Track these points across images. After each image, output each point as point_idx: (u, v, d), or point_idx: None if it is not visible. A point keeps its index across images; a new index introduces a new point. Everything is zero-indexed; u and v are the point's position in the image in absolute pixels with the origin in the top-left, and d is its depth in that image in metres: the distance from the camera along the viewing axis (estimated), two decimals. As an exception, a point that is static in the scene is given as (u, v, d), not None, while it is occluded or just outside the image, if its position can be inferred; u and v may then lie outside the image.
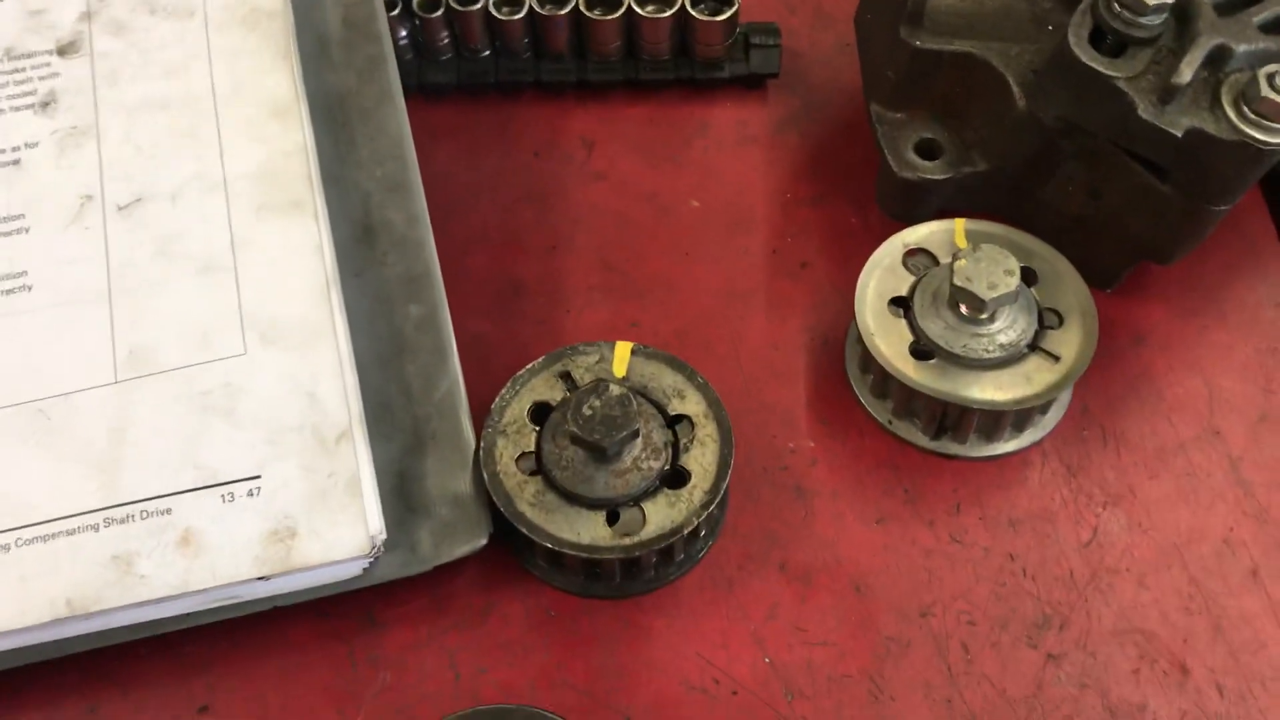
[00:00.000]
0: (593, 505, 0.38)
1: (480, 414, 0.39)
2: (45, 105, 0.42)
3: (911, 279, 0.42)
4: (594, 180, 0.48)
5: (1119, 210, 0.41)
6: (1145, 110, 0.38)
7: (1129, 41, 0.38)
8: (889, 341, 0.41)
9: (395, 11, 0.47)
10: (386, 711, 0.37)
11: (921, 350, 0.40)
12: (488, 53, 0.49)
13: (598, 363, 0.40)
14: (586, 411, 0.37)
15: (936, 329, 0.40)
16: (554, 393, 0.40)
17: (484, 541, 0.38)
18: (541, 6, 0.48)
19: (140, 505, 0.36)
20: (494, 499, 0.38)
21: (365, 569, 0.37)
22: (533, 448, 0.39)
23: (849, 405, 0.42)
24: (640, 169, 0.48)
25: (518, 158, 0.48)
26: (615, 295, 0.45)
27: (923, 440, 0.41)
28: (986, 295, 0.39)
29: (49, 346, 0.39)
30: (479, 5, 0.47)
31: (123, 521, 0.36)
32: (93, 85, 0.42)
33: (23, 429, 0.37)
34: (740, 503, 0.40)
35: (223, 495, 0.36)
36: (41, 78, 0.42)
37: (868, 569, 0.39)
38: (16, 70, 0.43)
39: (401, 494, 0.38)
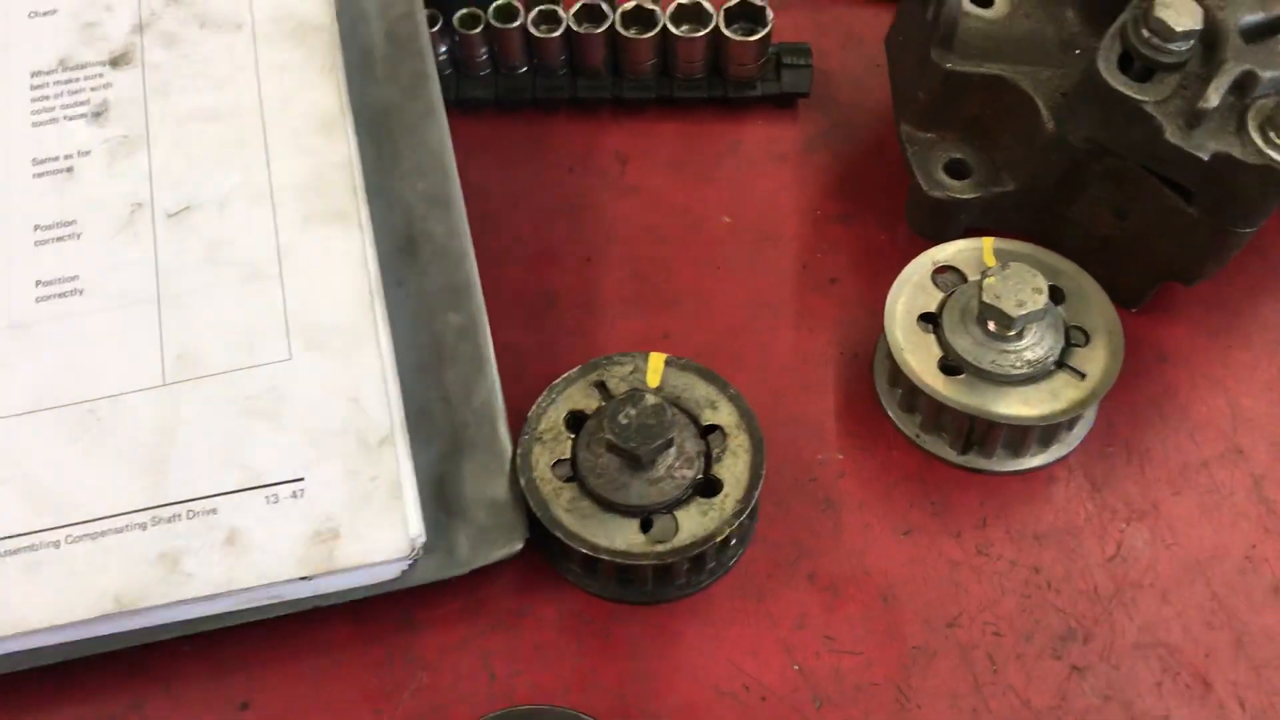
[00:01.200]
0: (627, 512, 0.38)
1: (516, 421, 0.40)
2: (97, 115, 0.43)
3: (940, 295, 0.43)
4: (627, 194, 0.49)
5: (1145, 231, 0.42)
6: (1172, 134, 0.39)
7: (1157, 67, 0.39)
8: (918, 356, 0.41)
9: (436, 28, 0.48)
10: (423, 710, 0.38)
11: (950, 365, 0.41)
12: (525, 69, 0.50)
13: (632, 373, 0.41)
14: (623, 420, 0.38)
15: (965, 345, 0.41)
16: (589, 401, 0.41)
17: (520, 546, 0.39)
18: (579, 25, 0.49)
19: (187, 505, 0.37)
20: (530, 504, 0.39)
21: (404, 571, 0.38)
22: (568, 455, 0.40)
23: (877, 419, 0.43)
24: (673, 184, 0.49)
25: (553, 172, 0.49)
26: (647, 307, 0.46)
27: (950, 454, 0.42)
28: (1015, 312, 0.40)
29: (99, 349, 0.40)
30: (518, 23, 0.48)
31: (170, 520, 0.37)
32: (144, 96, 0.43)
33: (73, 429, 0.38)
34: (770, 513, 0.41)
35: (267, 496, 0.37)
36: (94, 88, 0.44)
37: (895, 579, 0.40)
38: (70, 80, 0.44)
39: (440, 498, 0.39)
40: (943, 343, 0.41)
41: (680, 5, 0.49)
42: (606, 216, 0.48)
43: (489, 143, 0.49)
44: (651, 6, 0.49)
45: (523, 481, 0.39)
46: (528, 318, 0.45)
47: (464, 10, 0.49)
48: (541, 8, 0.49)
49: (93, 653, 0.37)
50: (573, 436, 0.40)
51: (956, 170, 0.45)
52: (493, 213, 0.47)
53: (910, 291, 0.43)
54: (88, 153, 0.43)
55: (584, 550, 0.38)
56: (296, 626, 0.38)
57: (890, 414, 0.43)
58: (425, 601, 0.39)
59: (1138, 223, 0.42)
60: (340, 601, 0.38)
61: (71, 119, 0.43)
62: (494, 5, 0.49)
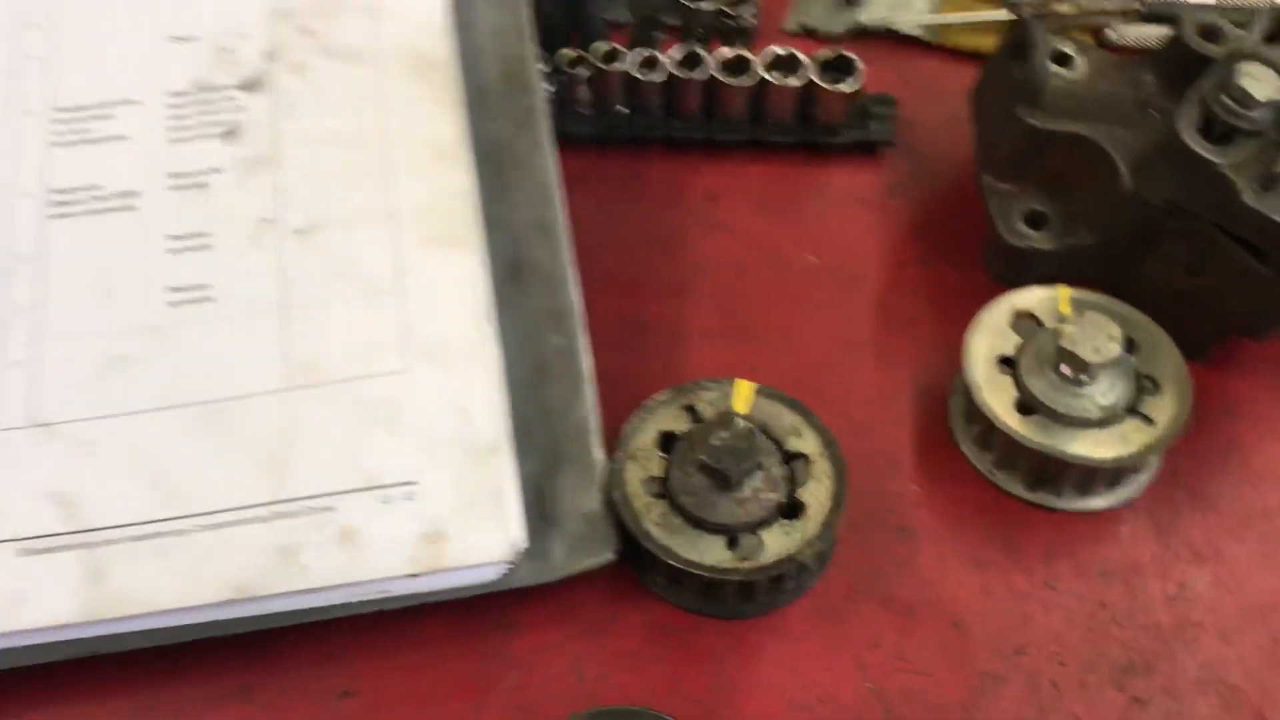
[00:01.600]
0: (714, 530, 0.41)
1: (609, 439, 0.43)
2: (230, 135, 0.46)
3: (1016, 339, 0.45)
4: (716, 231, 0.51)
5: (1217, 287, 0.44)
6: (1248, 196, 0.41)
7: (1235, 131, 0.41)
8: (995, 396, 0.43)
9: (544, 67, 0.51)
10: (515, 706, 0.40)
11: (1026, 406, 0.43)
12: (624, 109, 0.53)
13: (721, 398, 0.43)
14: (715, 442, 0.40)
15: (1040, 387, 0.43)
16: (679, 423, 0.43)
17: (611, 557, 0.41)
18: (679, 70, 0.51)
19: (306, 502, 0.40)
20: (622, 518, 0.41)
21: (504, 574, 0.40)
22: (659, 472, 0.42)
23: (952, 454, 0.45)
24: (760, 223, 0.51)
25: (646, 207, 0.52)
26: (732, 339, 0.48)
27: (1022, 491, 0.44)
28: (1091, 359, 0.42)
29: (226, 352, 0.42)
30: (621, 66, 0.51)
31: (289, 516, 0.40)
32: (273, 119, 0.46)
33: (203, 426, 0.41)
34: (847, 538, 0.43)
35: (381, 497, 0.40)
36: (227, 110, 0.47)
37: (966, 607, 0.42)
38: (206, 102, 0.47)
39: (538, 508, 0.41)
40: (1020, 384, 0.43)
41: (777, 56, 0.51)
42: (696, 251, 0.51)
43: (588, 176, 0.52)
44: (748, 55, 0.51)
45: (615, 496, 0.41)
46: (618, 343, 0.48)
47: (571, 52, 0.51)
48: (644, 52, 0.52)
49: (208, 636, 0.39)
50: (663, 455, 0.42)
51: (1035, 221, 0.47)
52: (589, 243, 0.50)
53: (988, 334, 0.45)
54: (220, 170, 0.46)
55: (673, 563, 0.40)
56: (399, 621, 0.41)
57: (964, 450, 0.45)
58: (520, 604, 0.41)
59: (1210, 279, 0.44)
60: (441, 599, 0.40)
61: (206, 138, 0.46)
62: (599, 48, 0.52)
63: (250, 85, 0.47)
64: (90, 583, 0.39)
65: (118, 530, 0.39)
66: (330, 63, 0.48)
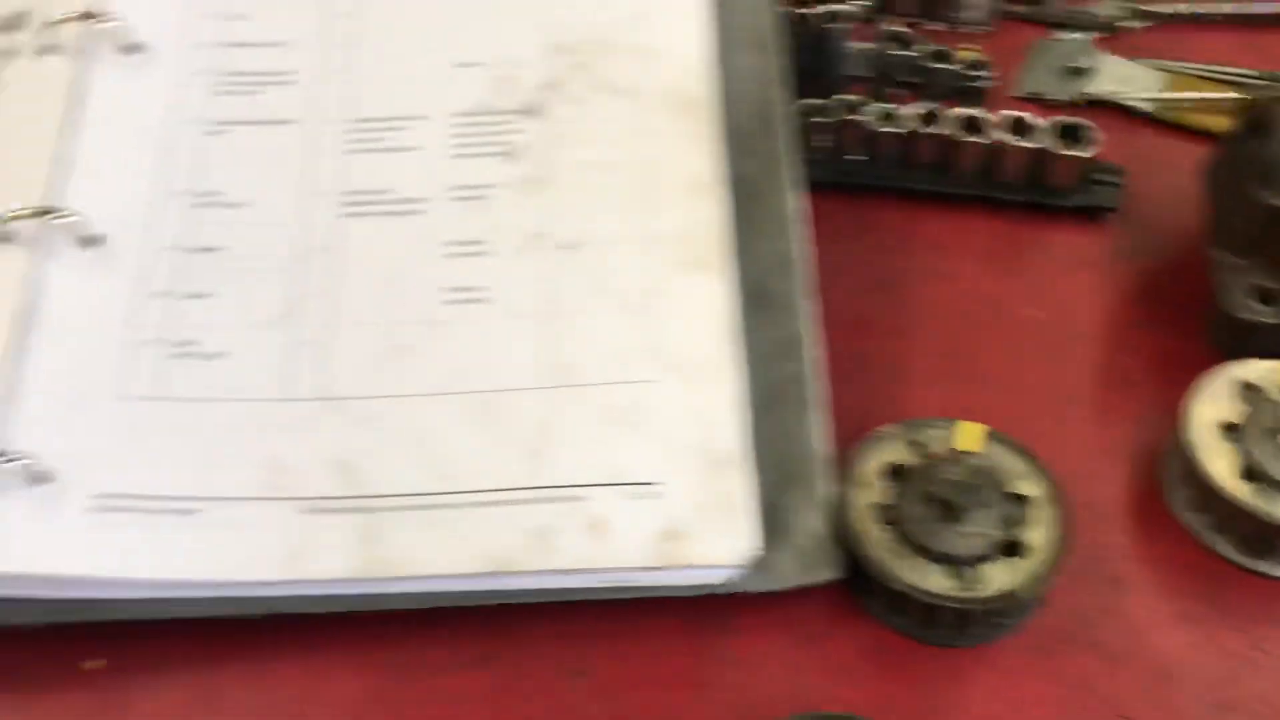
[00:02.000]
0: (937, 558, 0.43)
1: (835, 465, 0.45)
2: (507, 155, 0.51)
3: (1239, 407, 0.46)
4: (941, 279, 0.54)
5: None
6: None
7: None
8: (1214, 461, 0.45)
9: (793, 113, 0.54)
10: (733, 703, 0.42)
11: (1247, 472, 0.44)
12: (861, 157, 0.56)
13: (947, 436, 0.45)
14: (945, 475, 0.43)
15: (1262, 455, 0.44)
16: (905, 456, 0.45)
17: (834, 575, 0.44)
18: (918, 125, 0.54)
19: (560, 490, 0.43)
20: (847, 539, 0.43)
21: (734, 578, 0.43)
22: (884, 500, 0.44)
23: (1164, 513, 0.46)
24: (984, 275, 0.54)
25: (874, 251, 0.55)
26: (952, 382, 0.50)
27: (1237, 555, 0.45)
28: (1320, 432, 0.43)
29: (494, 349, 0.46)
30: (862, 118, 0.54)
31: (544, 501, 0.43)
32: (547, 143, 0.51)
33: (472, 413, 0.45)
34: (1061, 581, 0.45)
35: (627, 493, 0.43)
36: (505, 132, 0.51)
37: (1173, 659, 0.43)
38: (487, 124, 0.51)
39: (768, 521, 0.44)
40: (1242, 451, 0.45)
41: (1013, 118, 0.54)
42: (921, 296, 0.53)
43: (820, 217, 0.55)
44: (984, 115, 0.54)
45: (841, 518, 0.44)
46: (842, 375, 0.50)
47: (815, 101, 0.55)
48: (885, 106, 0.55)
49: (459, 605, 0.43)
50: (889, 484, 0.45)
51: (1265, 297, 0.48)
52: (819, 279, 0.53)
53: (1209, 400, 0.46)
54: (497, 185, 0.50)
55: (898, 587, 0.42)
56: (630, 611, 0.44)
57: (1178, 511, 0.46)
58: (744, 609, 0.44)
59: None
60: (672, 595, 0.43)
61: (486, 155, 0.51)
62: (842, 99, 0.55)
63: (528, 111, 0.52)
64: (364, 544, 0.43)
65: (392, 499, 0.44)
66: (602, 96, 0.52)
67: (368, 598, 0.43)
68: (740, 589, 0.43)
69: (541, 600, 0.43)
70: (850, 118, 0.55)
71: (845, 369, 0.51)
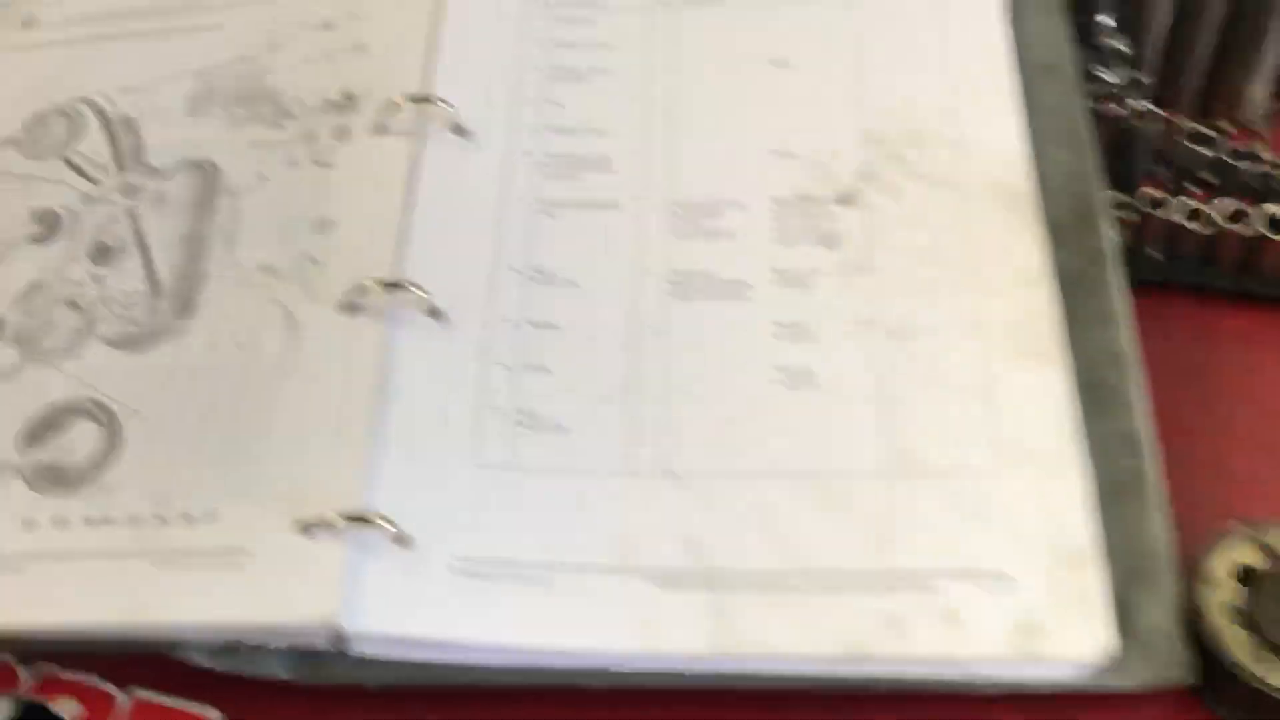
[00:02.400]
0: (1302, 664, 0.42)
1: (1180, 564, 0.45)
2: (828, 241, 0.52)
3: None
4: (1247, 374, 0.53)
5: None
6: None
7: None
8: None
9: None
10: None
11: None
12: (1157, 254, 0.56)
13: (1294, 540, 0.45)
14: (1310, 580, 0.42)
15: None
16: (1255, 557, 0.45)
17: (1185, 677, 0.43)
18: (1226, 223, 0.54)
19: (909, 577, 0.44)
20: (1201, 639, 0.43)
21: (1087, 675, 0.42)
22: (1236, 601, 0.44)
23: None
24: (1296, 374, 0.53)
25: (1178, 348, 0.54)
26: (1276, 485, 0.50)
27: None
28: None
29: (830, 431, 0.47)
30: (1166, 214, 0.55)
31: (894, 589, 0.43)
32: (867, 231, 0.52)
33: (811, 494, 0.46)
34: None
35: (979, 584, 0.43)
36: (824, 219, 0.52)
37: None
38: (805, 212, 0.53)
39: (1118, 619, 0.44)
40: None
41: (1332, 219, 0.54)
42: (1227, 394, 0.53)
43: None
44: (1298, 215, 0.54)
45: (1195, 620, 0.43)
46: (1166, 473, 0.50)
47: (1120, 196, 0.55)
48: (1189, 203, 0.55)
49: (802, 690, 0.43)
50: (1242, 585, 0.44)
51: None
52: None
53: None
54: (820, 271, 0.51)
55: (1260, 687, 0.41)
56: (972, 706, 0.43)
57: None
58: (1089, 707, 0.43)
59: None
60: (1020, 692, 0.43)
61: (807, 242, 0.52)
62: (1145, 195, 0.55)
63: (845, 200, 0.53)
64: (715, 619, 0.43)
65: (741, 575, 0.44)
66: (919, 187, 0.53)
67: (714, 676, 0.44)
68: (1093, 687, 0.43)
69: (888, 690, 0.43)
70: (1151, 213, 0.55)
71: (1167, 465, 0.50)
